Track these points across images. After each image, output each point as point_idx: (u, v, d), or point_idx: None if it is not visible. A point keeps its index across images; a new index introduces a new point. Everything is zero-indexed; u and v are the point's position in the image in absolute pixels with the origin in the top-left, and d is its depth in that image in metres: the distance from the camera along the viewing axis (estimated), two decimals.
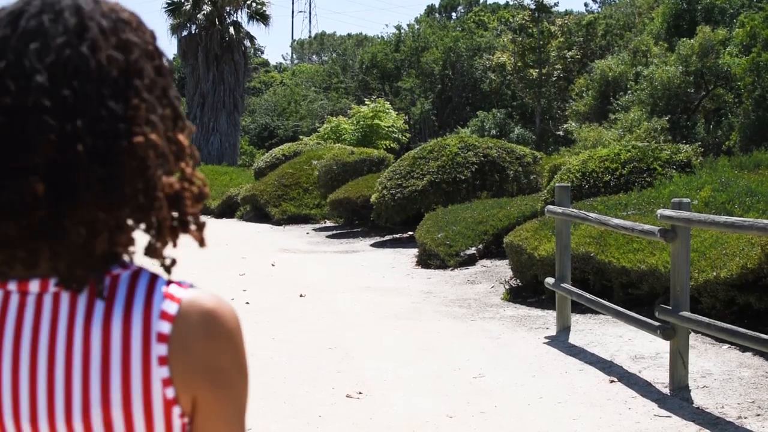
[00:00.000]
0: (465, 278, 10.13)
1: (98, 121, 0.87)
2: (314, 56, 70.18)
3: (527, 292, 8.76)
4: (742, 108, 26.08)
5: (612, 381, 5.55)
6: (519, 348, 6.60)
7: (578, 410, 4.99)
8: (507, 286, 9.11)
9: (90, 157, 0.86)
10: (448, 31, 46.24)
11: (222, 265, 11.90)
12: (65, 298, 0.91)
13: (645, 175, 10.46)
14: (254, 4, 35.12)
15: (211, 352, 0.91)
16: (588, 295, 6.62)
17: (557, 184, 7.31)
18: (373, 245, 13.91)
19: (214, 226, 19.18)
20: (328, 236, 15.88)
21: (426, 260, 11.30)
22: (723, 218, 4.83)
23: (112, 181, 0.87)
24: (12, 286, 0.92)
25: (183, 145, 0.95)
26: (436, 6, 68.83)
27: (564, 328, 7.03)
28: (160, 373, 0.89)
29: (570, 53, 37.97)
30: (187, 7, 34.25)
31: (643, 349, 6.22)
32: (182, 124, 0.96)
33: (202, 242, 0.97)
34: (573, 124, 32.35)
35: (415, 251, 12.25)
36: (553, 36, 37.78)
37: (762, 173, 9.82)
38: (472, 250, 11.09)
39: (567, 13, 45.47)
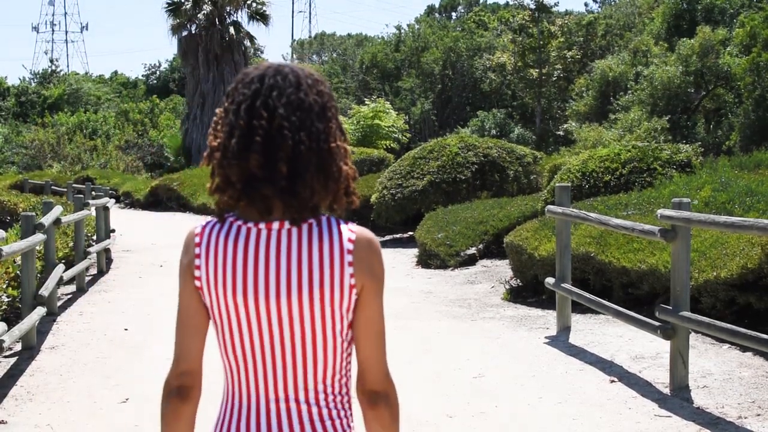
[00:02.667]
0: (465, 278, 10.13)
1: (311, 134, 1.58)
2: (314, 56, 70.12)
3: (527, 292, 8.75)
4: (742, 108, 26.07)
5: (612, 381, 5.55)
6: (519, 348, 6.59)
7: (578, 410, 4.99)
8: (507, 286, 9.11)
9: (309, 152, 1.57)
10: (448, 31, 46.22)
11: None
12: (294, 231, 1.61)
13: (645, 175, 10.45)
14: (254, 4, 35.09)
15: (371, 260, 1.63)
16: (588, 295, 6.62)
17: (557, 184, 7.30)
18: None
19: None
20: None
21: (426, 260, 11.29)
22: (723, 218, 4.83)
23: (320, 165, 1.58)
24: (261, 226, 1.62)
25: (347, 149, 1.65)
26: (436, 6, 68.79)
27: (564, 328, 7.03)
28: (348, 270, 1.60)
29: (570, 53, 37.95)
30: (188, 7, 34.22)
31: (643, 349, 6.22)
32: (345, 137, 1.66)
33: (357, 204, 1.65)
34: (573, 124, 32.33)
35: (415, 251, 12.25)
36: (553, 36, 37.74)
37: (762, 173, 9.81)
38: (472, 250, 11.09)
39: (567, 13, 45.44)
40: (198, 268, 1.64)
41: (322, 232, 1.61)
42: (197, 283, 1.64)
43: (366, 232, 1.64)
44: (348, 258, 1.60)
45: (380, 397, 1.68)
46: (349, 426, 1.67)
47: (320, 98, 1.61)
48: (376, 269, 1.63)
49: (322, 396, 1.63)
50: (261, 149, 1.55)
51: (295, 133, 1.56)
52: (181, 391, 1.66)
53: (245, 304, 1.59)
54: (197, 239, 1.66)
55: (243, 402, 1.63)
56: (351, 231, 1.63)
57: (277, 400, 1.61)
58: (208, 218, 1.71)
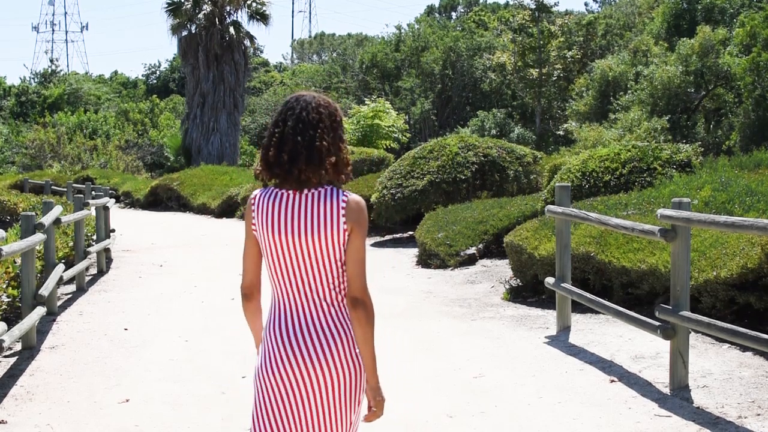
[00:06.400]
0: (465, 278, 10.13)
1: (305, 137, 2.55)
2: (314, 56, 70.13)
3: (527, 291, 8.75)
4: (742, 108, 26.08)
5: (612, 381, 5.55)
6: (519, 348, 6.59)
7: (578, 410, 4.99)
8: (507, 286, 9.11)
9: (301, 148, 2.54)
10: (448, 31, 46.22)
11: (224, 264, 11.89)
12: (309, 195, 2.56)
13: (645, 174, 10.45)
14: (254, 4, 35.07)
15: (358, 214, 2.56)
16: (588, 295, 6.62)
17: (557, 184, 7.30)
18: (373, 245, 13.90)
19: (214, 227, 19.16)
20: None
21: (426, 260, 11.29)
22: (723, 218, 4.83)
23: (309, 156, 2.54)
24: (290, 192, 2.57)
25: (340, 146, 2.61)
26: (436, 6, 68.77)
27: (564, 328, 7.03)
28: (342, 219, 2.54)
29: (570, 53, 37.95)
30: (188, 7, 34.21)
31: (643, 349, 6.21)
32: (342, 143, 2.61)
33: (351, 178, 2.65)
34: (573, 123, 32.34)
35: (415, 251, 12.25)
36: (553, 36, 37.75)
37: (762, 173, 9.80)
38: (472, 250, 11.08)
39: (567, 12, 45.42)
40: (254, 218, 2.61)
41: (326, 196, 2.56)
42: (253, 227, 2.62)
43: (355, 197, 2.58)
44: (342, 212, 2.54)
45: (358, 302, 2.56)
46: (347, 314, 2.59)
47: (317, 115, 2.58)
48: (360, 219, 2.56)
49: (327, 297, 2.58)
50: (276, 146, 2.56)
51: (295, 137, 2.54)
52: (247, 295, 2.72)
53: (281, 240, 2.56)
54: (253, 201, 2.63)
55: (284, 302, 2.60)
56: (345, 195, 2.57)
57: (305, 300, 2.58)
58: (259, 188, 2.66)
